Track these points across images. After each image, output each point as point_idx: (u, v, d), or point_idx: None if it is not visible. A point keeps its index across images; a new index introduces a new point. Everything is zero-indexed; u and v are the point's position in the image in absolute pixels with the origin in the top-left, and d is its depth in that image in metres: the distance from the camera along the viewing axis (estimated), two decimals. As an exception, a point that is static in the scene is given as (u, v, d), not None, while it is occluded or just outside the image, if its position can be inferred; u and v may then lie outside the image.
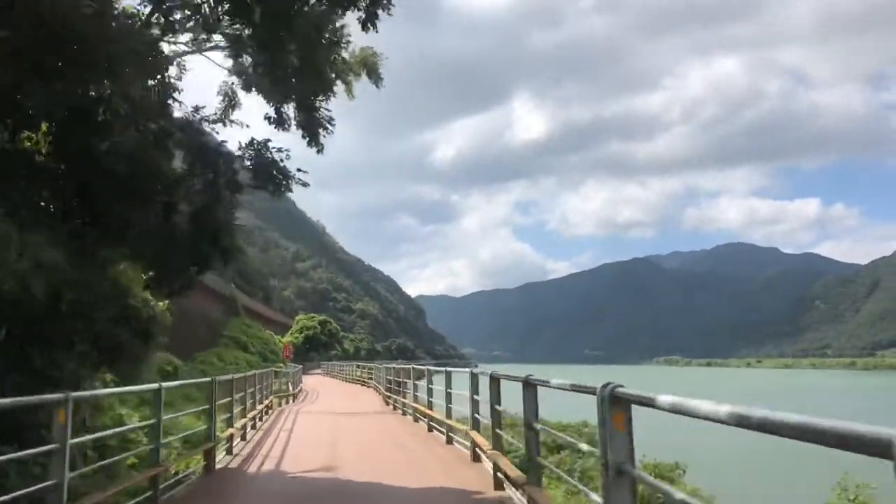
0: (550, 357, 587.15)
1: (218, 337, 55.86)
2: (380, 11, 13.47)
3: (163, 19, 12.95)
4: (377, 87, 16.89)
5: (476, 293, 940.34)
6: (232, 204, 14.38)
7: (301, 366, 48.76)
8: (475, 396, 10.43)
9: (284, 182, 14.72)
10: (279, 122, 15.72)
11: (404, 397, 23.11)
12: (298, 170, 14.79)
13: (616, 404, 3.78)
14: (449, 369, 14.19)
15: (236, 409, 14.58)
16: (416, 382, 21.49)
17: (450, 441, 13.80)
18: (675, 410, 2.99)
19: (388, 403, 26.76)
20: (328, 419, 22.33)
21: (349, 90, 16.81)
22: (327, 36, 14.48)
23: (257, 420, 19.49)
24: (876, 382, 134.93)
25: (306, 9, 13.23)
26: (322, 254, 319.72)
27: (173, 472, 9.92)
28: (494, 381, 8.48)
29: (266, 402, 23.36)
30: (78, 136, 10.24)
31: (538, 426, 6.44)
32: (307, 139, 15.67)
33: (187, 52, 14.85)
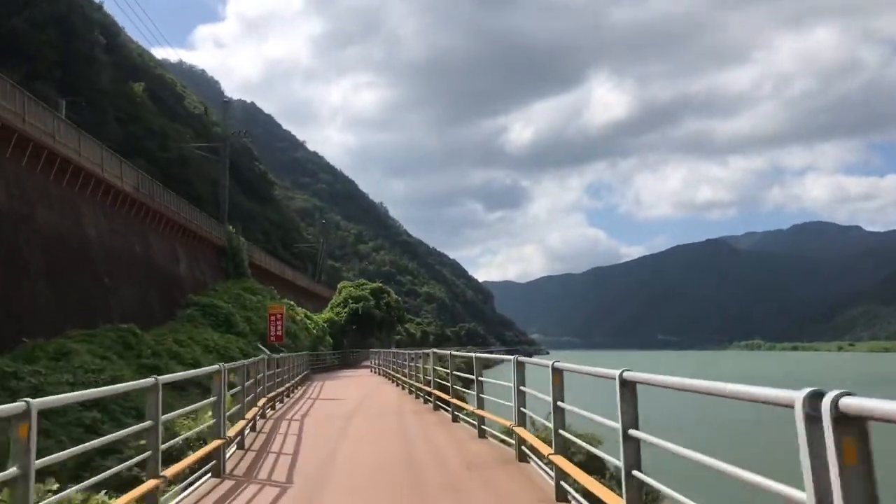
0: (621, 343, 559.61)
1: (183, 307, 31.04)
2: None
3: None
4: None
5: (544, 278, 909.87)
6: None
7: (278, 355, 23.19)
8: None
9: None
10: None
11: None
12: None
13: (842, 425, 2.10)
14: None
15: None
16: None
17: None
18: None
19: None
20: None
21: None
22: None
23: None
24: None
25: None
26: (385, 236, 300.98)
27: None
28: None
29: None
30: None
31: (639, 434, 4.31)
32: None
33: None
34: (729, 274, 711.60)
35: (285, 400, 20.71)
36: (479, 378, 11.49)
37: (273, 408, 17.35)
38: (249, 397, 12.61)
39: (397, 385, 25.99)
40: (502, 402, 9.85)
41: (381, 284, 62.01)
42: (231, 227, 46.57)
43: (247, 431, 11.83)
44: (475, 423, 11.88)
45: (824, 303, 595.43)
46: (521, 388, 8.63)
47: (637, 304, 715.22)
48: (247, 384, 12.12)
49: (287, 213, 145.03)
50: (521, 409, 8.68)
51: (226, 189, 46.65)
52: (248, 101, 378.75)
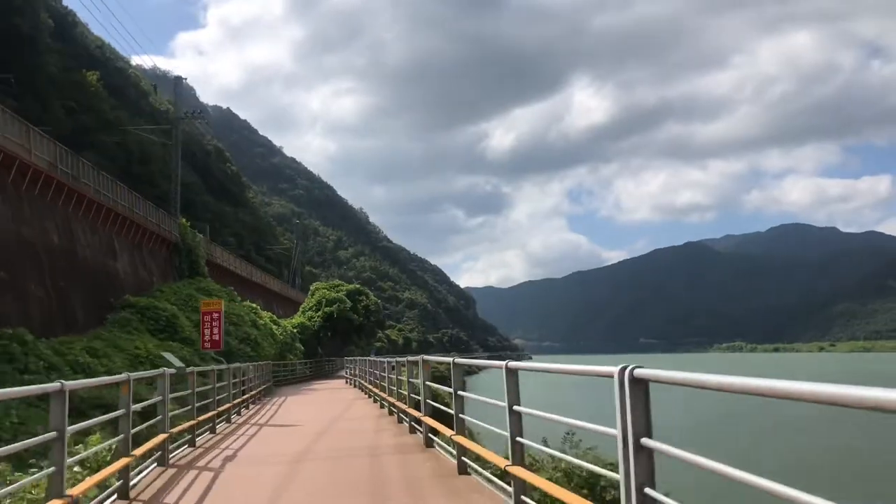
0: (604, 347, 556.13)
1: (117, 310, 25.13)
2: None
3: None
4: None
5: (525, 283, 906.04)
6: None
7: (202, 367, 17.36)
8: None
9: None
10: None
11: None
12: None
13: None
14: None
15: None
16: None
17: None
18: None
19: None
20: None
21: None
22: None
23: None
24: None
25: None
26: (365, 242, 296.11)
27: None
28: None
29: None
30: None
31: (656, 445, 3.49)
32: None
33: None
34: (709, 276, 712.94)
35: (229, 421, 15.12)
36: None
37: (190, 444, 11.74)
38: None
39: (376, 402, 20.44)
40: (490, 427, 6.80)
41: (358, 286, 56.36)
42: (185, 221, 40.73)
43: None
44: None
45: (803, 304, 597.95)
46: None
47: (618, 308, 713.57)
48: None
49: (262, 217, 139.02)
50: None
51: (177, 177, 40.82)
52: (224, 106, 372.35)
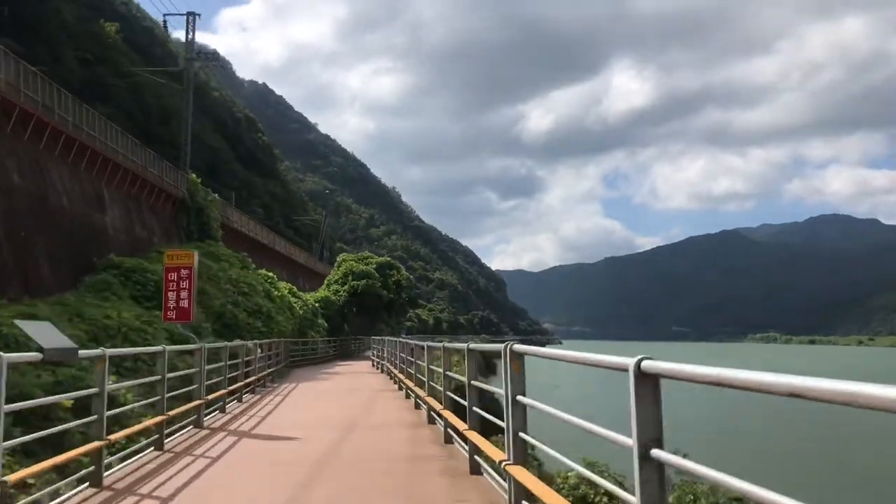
0: (635, 334, 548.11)
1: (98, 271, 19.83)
2: None
3: None
4: None
5: (556, 267, 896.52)
6: None
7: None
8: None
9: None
10: None
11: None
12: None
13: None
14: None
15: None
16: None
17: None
18: None
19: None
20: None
21: None
22: None
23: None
24: None
25: None
26: (397, 221, 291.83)
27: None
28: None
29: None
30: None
31: (667, 457, 2.85)
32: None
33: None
34: (744, 266, 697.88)
35: (223, 410, 9.85)
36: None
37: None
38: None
39: (408, 397, 15.14)
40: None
41: (389, 259, 51.02)
42: (195, 176, 35.65)
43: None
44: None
45: (841, 296, 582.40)
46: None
47: (651, 294, 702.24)
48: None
49: (294, 190, 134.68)
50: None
51: (188, 124, 35.59)
52: (260, 81, 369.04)
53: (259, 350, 19.83)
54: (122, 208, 27.32)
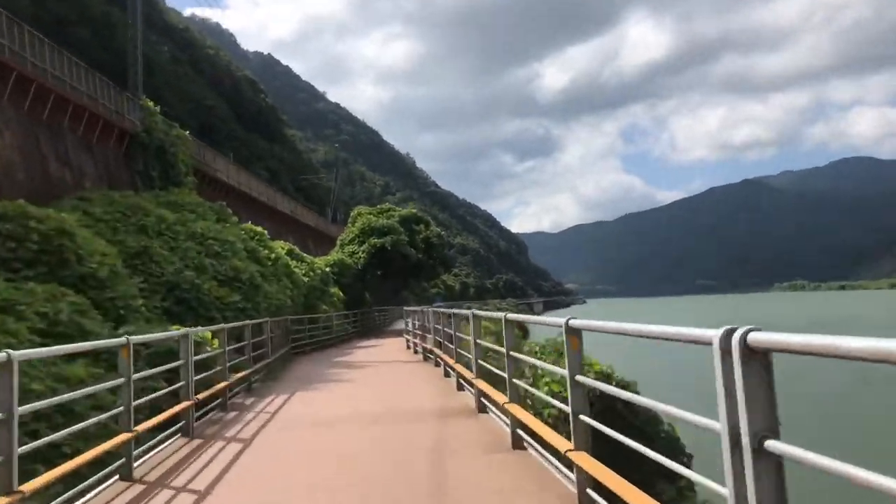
0: (658, 289, 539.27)
1: None
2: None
3: None
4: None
5: (575, 227, 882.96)
6: None
7: None
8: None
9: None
10: None
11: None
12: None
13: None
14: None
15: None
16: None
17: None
18: None
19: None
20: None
21: None
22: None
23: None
24: None
25: None
26: (413, 187, 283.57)
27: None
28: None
29: None
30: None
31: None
32: None
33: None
34: (767, 214, 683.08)
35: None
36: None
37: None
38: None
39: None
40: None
41: (414, 211, 41.25)
42: (152, 103, 26.05)
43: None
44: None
45: (867, 240, 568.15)
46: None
47: (673, 249, 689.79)
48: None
49: (304, 157, 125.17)
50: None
51: (136, 30, 25.79)
52: (266, 52, 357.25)
53: (223, 342, 10.67)
54: (22, 134, 18.04)
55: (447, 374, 13.14)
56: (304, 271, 26.45)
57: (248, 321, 14.91)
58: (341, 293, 31.94)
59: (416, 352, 19.86)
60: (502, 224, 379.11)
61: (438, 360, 14.60)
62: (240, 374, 12.38)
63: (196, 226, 20.17)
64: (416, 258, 36.52)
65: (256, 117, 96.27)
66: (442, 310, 15.01)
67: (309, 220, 55.20)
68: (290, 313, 22.48)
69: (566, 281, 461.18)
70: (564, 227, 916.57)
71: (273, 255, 23.02)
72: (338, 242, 38.13)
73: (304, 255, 28.63)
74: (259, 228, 23.95)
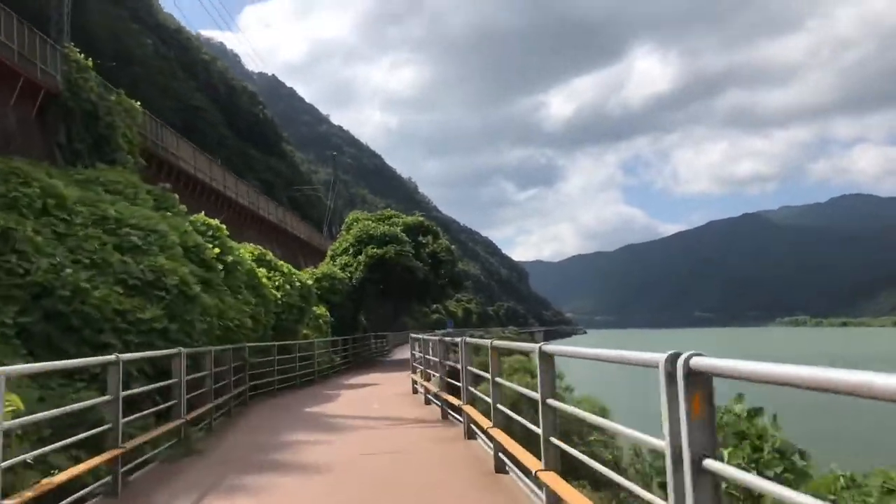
0: (657, 321, 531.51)
1: None
2: None
3: None
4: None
5: (575, 256, 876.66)
6: None
7: None
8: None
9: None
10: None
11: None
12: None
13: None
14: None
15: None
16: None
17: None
18: None
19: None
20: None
21: None
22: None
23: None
24: None
25: None
26: (414, 211, 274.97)
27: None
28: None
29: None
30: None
31: None
32: None
33: None
34: (767, 249, 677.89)
35: None
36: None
37: None
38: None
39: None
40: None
41: (421, 219, 34.50)
42: (82, 56, 19.54)
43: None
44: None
45: (868, 277, 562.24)
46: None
47: (672, 281, 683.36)
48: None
49: (302, 172, 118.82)
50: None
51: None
52: (270, 73, 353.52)
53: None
54: None
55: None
56: (277, 282, 19.71)
57: (160, 351, 8.26)
58: (328, 314, 25.20)
59: (427, 401, 13.16)
60: (503, 251, 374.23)
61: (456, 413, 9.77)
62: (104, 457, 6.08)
63: (109, 208, 13.49)
64: (423, 273, 29.79)
65: (252, 128, 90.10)
66: (471, 339, 9.48)
67: (300, 231, 48.57)
68: (253, 339, 15.78)
69: (566, 310, 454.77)
70: (565, 257, 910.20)
71: (230, 259, 16.27)
72: (328, 253, 31.41)
73: (282, 263, 21.89)
74: (215, 221, 17.24)
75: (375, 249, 28.46)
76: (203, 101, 70.53)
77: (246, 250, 19.80)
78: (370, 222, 30.52)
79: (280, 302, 19.56)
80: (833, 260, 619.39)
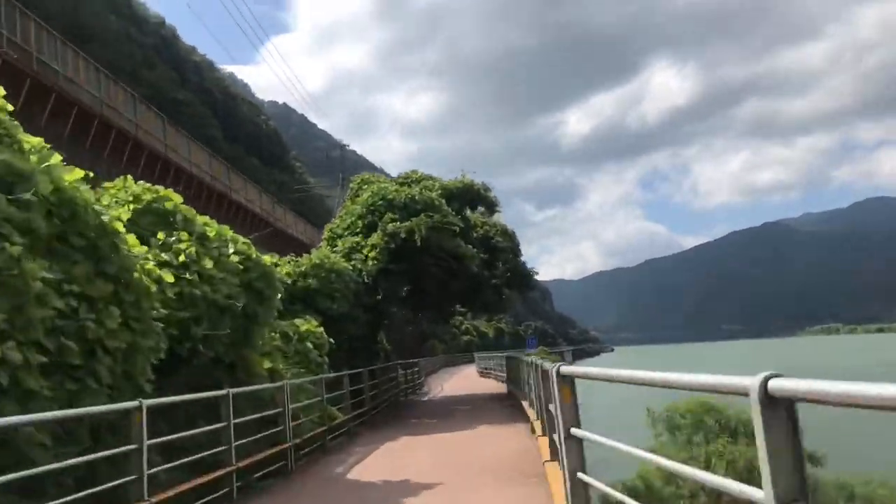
0: (684, 336, 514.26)
1: None
2: None
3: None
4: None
5: (596, 274, 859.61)
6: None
7: None
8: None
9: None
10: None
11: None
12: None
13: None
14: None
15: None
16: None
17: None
18: None
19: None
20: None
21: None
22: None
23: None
24: None
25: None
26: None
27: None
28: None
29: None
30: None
31: None
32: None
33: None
34: (788, 257, 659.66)
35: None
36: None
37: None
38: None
39: None
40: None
41: (471, 181, 22.35)
42: None
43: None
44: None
45: (893, 280, 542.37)
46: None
47: (696, 294, 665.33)
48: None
49: (309, 191, 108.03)
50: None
51: None
52: (281, 102, 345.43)
53: None
54: None
55: None
56: (187, 248, 8.11)
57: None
58: (320, 330, 13.56)
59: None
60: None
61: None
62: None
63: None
64: (478, 264, 18.10)
65: (253, 137, 79.62)
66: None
67: (297, 230, 36.99)
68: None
69: (590, 328, 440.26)
70: (585, 274, 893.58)
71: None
72: (325, 232, 19.74)
73: (237, 238, 10.16)
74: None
75: (396, 224, 16.82)
76: (185, 95, 59.88)
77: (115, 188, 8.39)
78: (387, 187, 18.85)
79: (187, 296, 7.99)
80: (857, 265, 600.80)
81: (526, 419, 14.41)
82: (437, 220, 16.94)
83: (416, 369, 25.55)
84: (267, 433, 9.46)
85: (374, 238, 16.93)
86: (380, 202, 17.94)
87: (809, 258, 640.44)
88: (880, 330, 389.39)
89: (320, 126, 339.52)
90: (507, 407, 18.48)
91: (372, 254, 16.76)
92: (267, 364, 10.80)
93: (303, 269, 15.51)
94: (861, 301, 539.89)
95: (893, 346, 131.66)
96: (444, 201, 18.64)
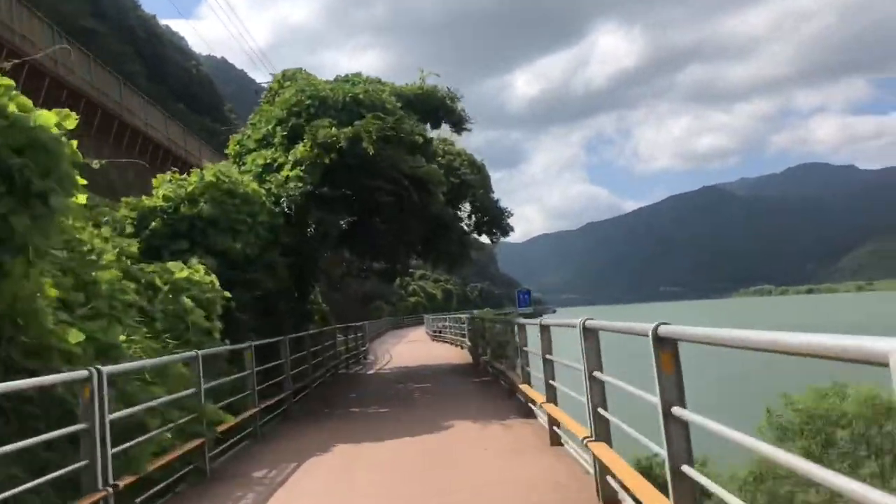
0: (624, 297, 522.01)
1: None
2: None
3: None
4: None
5: (540, 236, 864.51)
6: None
7: None
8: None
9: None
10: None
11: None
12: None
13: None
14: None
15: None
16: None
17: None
18: None
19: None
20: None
21: None
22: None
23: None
24: None
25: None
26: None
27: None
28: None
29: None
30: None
31: None
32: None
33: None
34: (726, 220, 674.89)
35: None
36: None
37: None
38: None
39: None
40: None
41: (432, 87, 17.26)
42: None
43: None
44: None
45: (828, 244, 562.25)
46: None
47: (636, 257, 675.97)
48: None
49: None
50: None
51: None
52: (219, 56, 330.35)
53: None
54: None
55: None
56: None
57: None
58: (213, 280, 8.41)
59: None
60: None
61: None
62: None
63: None
64: (446, 191, 13.09)
65: (184, 84, 72.05)
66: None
67: (186, 143, 30.90)
68: None
69: (534, 289, 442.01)
70: (531, 236, 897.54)
71: None
72: (229, 148, 14.34)
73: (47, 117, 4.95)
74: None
75: (330, 131, 11.51)
76: (103, 30, 52.46)
77: None
78: (322, 83, 13.49)
79: None
80: (791, 229, 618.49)
81: (520, 407, 9.61)
82: (392, 124, 11.78)
83: (360, 334, 20.63)
84: (55, 474, 4.45)
85: (300, 150, 11.69)
86: (307, 101, 12.65)
87: (745, 222, 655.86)
88: (809, 291, 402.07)
89: (260, 81, 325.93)
90: (481, 386, 13.71)
91: (295, 172, 11.53)
92: (76, 335, 5.67)
93: (189, 189, 10.18)
94: (792, 264, 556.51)
95: (810, 308, 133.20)
96: (388, 100, 13.43)
